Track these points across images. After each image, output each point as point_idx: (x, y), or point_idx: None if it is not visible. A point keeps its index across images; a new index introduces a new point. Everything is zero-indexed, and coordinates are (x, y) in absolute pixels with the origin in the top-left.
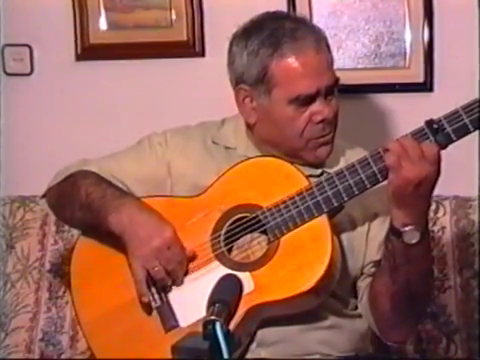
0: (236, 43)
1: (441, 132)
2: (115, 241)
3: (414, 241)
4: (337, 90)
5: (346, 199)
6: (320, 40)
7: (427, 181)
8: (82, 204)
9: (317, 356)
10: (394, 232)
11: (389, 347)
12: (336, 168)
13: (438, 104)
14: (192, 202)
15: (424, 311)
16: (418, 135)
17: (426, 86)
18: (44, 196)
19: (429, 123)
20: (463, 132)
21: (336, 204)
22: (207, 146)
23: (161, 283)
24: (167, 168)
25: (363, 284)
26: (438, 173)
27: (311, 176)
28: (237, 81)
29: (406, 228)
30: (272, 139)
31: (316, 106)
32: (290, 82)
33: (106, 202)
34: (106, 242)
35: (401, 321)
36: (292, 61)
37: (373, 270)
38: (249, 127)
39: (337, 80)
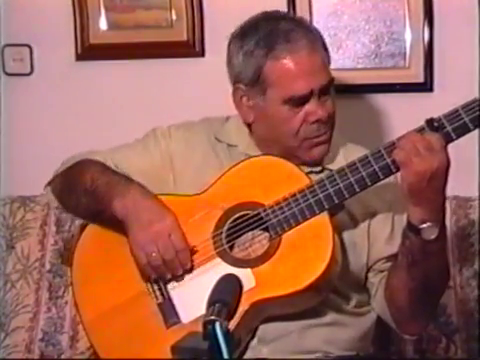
0: (233, 43)
1: (441, 131)
2: (118, 233)
3: (432, 237)
4: (335, 90)
5: (347, 196)
6: (315, 41)
7: (439, 172)
8: (87, 190)
9: (318, 355)
10: (412, 229)
11: (390, 347)
12: (336, 165)
13: (438, 104)
14: (194, 200)
15: (439, 301)
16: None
17: (426, 86)
18: (49, 184)
19: (429, 122)
20: (463, 131)
21: (337, 201)
22: (211, 142)
23: (159, 274)
24: (170, 162)
25: (376, 280)
26: (448, 162)
27: (311, 173)
28: (234, 80)
29: (424, 225)
30: (269, 138)
31: (310, 106)
32: (283, 83)
33: (111, 188)
34: (108, 238)
35: (419, 314)
36: (285, 62)
37: (385, 266)
38: (249, 126)
39: (332, 79)
